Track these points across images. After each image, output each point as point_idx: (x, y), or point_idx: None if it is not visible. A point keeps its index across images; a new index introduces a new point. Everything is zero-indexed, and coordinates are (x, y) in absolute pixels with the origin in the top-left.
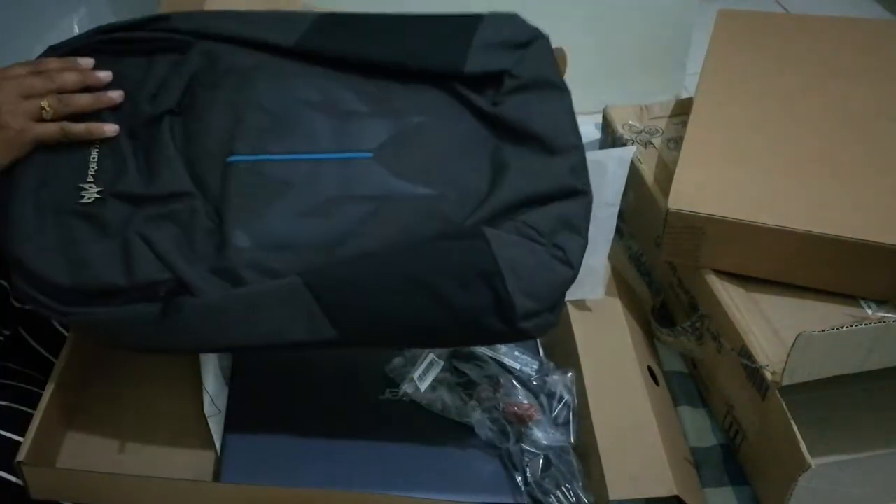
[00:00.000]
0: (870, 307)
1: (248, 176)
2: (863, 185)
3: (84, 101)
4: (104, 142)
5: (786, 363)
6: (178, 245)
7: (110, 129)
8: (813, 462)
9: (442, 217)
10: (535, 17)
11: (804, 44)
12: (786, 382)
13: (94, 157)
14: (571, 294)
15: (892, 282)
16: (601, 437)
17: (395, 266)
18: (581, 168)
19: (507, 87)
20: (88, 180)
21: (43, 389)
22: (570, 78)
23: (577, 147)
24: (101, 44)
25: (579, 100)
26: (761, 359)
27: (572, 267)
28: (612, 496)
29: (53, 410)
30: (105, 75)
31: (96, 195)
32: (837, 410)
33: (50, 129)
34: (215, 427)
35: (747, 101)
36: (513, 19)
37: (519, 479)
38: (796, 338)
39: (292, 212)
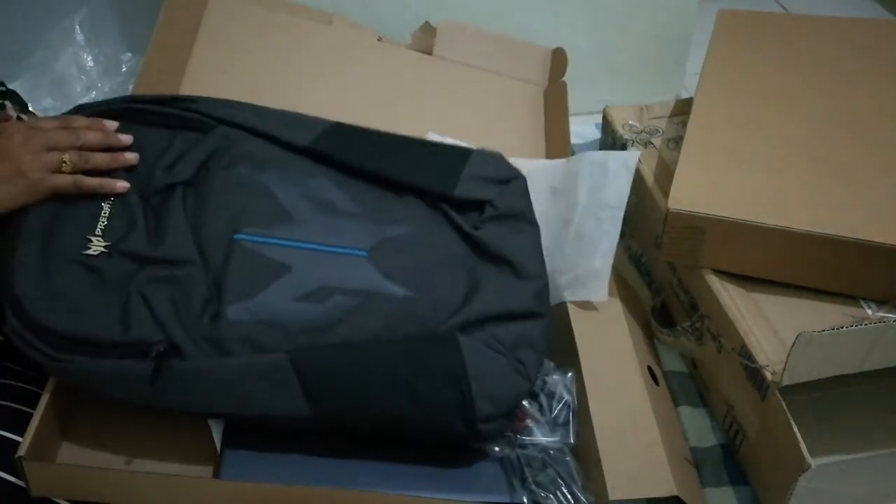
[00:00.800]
0: (870, 307)
1: (250, 254)
2: (863, 185)
3: (102, 159)
4: (117, 200)
5: (786, 363)
6: (176, 309)
7: (121, 185)
8: (813, 462)
9: (419, 319)
10: (536, 17)
11: (804, 44)
12: (786, 382)
13: (105, 213)
14: (574, 295)
15: (892, 282)
16: (601, 438)
17: (377, 358)
18: (543, 294)
19: (488, 214)
20: (97, 234)
21: (43, 389)
22: (571, 78)
23: (541, 276)
24: (127, 111)
25: (579, 100)
26: (761, 359)
27: (529, 380)
28: (612, 496)
29: (53, 409)
30: (126, 138)
31: (102, 249)
32: (837, 410)
33: (65, 181)
34: (215, 425)
35: (747, 102)
36: (498, 158)
37: (518, 479)
38: (796, 338)
39: (287, 294)
